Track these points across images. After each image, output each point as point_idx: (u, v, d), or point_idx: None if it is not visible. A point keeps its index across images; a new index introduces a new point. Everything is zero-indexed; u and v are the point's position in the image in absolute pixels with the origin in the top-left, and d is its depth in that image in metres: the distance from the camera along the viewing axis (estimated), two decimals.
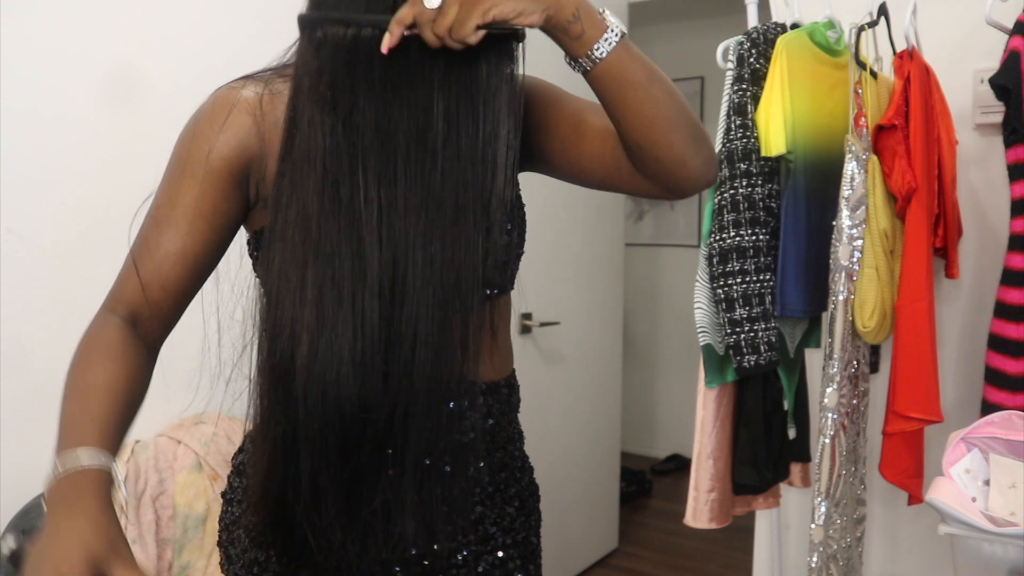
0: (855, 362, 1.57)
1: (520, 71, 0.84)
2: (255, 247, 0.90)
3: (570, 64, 0.81)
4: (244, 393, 0.85)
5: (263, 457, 0.82)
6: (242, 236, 0.92)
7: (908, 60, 1.56)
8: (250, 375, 0.85)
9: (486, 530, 0.94)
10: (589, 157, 0.92)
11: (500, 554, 0.96)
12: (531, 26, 0.76)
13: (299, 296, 0.78)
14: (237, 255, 0.91)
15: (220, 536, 0.97)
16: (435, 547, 0.89)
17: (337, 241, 0.78)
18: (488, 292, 0.89)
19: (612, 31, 0.79)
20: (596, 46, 0.78)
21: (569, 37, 0.78)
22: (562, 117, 0.93)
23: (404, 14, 0.74)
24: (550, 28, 0.77)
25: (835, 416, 1.49)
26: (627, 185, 0.91)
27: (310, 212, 0.78)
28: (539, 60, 0.90)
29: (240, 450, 0.97)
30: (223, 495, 0.98)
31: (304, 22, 0.79)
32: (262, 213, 0.88)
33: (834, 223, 1.48)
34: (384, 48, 0.74)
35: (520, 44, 0.84)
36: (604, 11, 0.80)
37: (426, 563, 0.90)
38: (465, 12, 0.73)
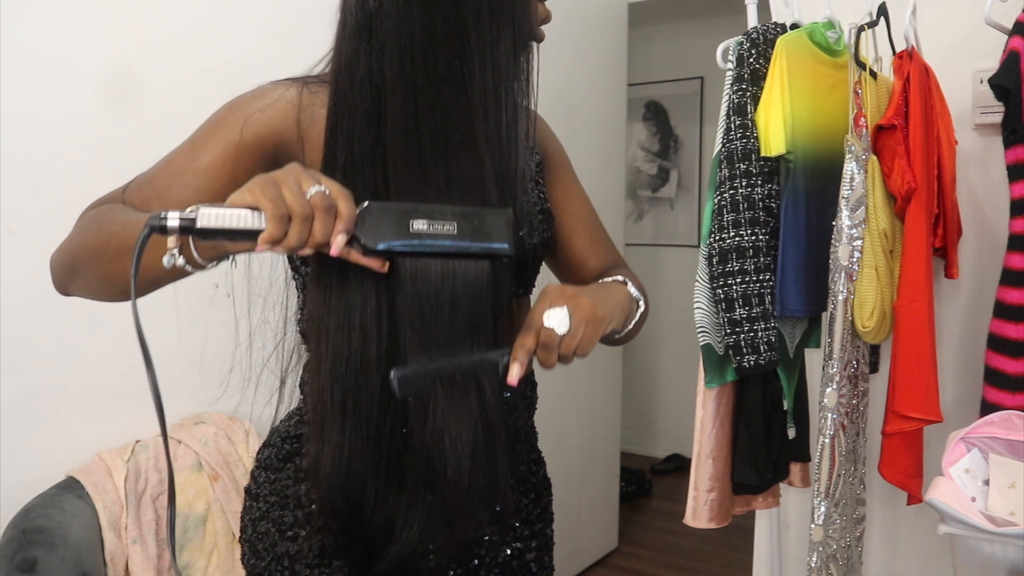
0: (855, 362, 1.57)
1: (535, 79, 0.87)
2: None
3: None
4: (245, 393, 0.85)
5: (331, 454, 0.78)
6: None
7: (908, 60, 1.56)
8: (283, 372, 0.88)
9: (506, 520, 0.95)
10: (570, 261, 1.06)
11: (518, 544, 0.97)
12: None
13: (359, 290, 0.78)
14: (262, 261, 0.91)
15: (244, 531, 0.95)
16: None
17: None
18: (515, 290, 0.95)
19: (639, 312, 0.92)
20: (627, 328, 0.91)
21: (618, 332, 0.89)
22: (571, 217, 1.05)
23: (529, 342, 0.75)
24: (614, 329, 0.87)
25: (835, 416, 1.49)
26: None
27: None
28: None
29: (266, 444, 0.95)
30: (247, 490, 0.96)
31: (403, 382, 0.72)
32: None
33: (834, 223, 1.48)
34: (514, 381, 0.75)
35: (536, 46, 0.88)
36: (628, 284, 0.91)
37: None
38: (592, 331, 0.77)
